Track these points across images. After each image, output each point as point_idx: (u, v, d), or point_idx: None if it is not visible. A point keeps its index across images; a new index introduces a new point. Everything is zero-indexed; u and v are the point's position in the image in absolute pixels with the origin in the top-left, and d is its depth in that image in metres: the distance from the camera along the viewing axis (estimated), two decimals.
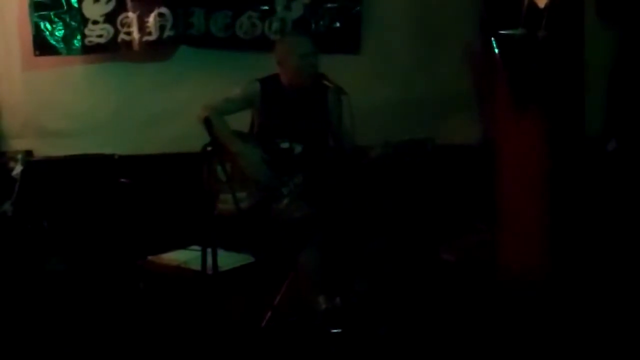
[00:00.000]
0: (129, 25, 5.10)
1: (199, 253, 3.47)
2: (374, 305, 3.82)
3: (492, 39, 4.25)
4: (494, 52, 4.21)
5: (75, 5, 5.17)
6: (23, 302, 4.36)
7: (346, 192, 3.93)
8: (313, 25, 5.12)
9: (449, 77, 5.07)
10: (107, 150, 5.16)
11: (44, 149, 5.33)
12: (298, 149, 3.93)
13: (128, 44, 5.13)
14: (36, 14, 5.20)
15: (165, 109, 5.23)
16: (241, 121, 4.05)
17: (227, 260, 3.74)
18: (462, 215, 4.78)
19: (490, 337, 3.67)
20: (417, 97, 5.08)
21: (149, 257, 4.06)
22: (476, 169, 4.61)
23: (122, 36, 5.13)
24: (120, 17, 5.11)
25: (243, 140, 3.92)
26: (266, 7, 5.10)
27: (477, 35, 4.90)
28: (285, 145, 3.93)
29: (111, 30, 5.14)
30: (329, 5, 5.11)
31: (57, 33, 5.23)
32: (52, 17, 5.20)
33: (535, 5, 4.02)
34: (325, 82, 3.84)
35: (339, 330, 3.60)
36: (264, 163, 3.88)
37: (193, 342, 3.72)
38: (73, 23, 5.19)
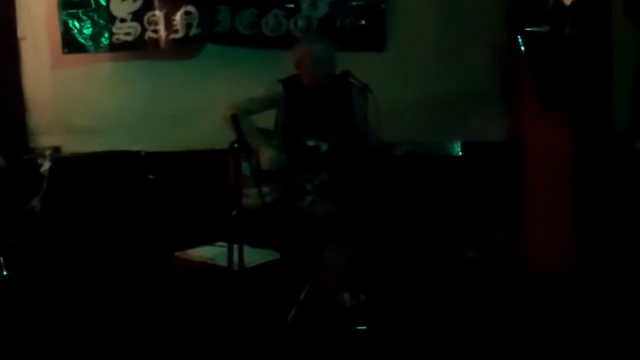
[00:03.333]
0: (156, 23, 5.17)
1: (226, 249, 3.52)
2: (399, 303, 3.83)
3: (518, 36, 4.25)
4: (520, 49, 4.21)
5: (103, 3, 5.24)
6: (52, 297, 4.40)
7: (371, 190, 3.93)
8: (338, 23, 5.14)
9: (474, 75, 5.04)
10: (134, 147, 5.21)
11: (72, 146, 5.40)
12: (324, 146, 3.93)
13: (155, 41, 5.19)
14: (65, 12, 5.28)
15: (192, 107, 5.27)
16: (268, 118, 4.07)
17: (253, 256, 3.75)
18: (488, 212, 4.75)
19: (516, 336, 3.65)
20: (443, 94, 5.06)
21: (176, 253, 4.08)
22: (503, 166, 4.60)
23: (149, 34, 5.19)
24: (147, 15, 5.18)
25: (269, 138, 3.94)
26: (292, 5, 5.14)
27: (503, 33, 4.89)
28: (311, 143, 3.94)
29: (138, 28, 5.21)
30: (354, 2, 5.12)
31: (85, 31, 5.30)
32: (81, 15, 5.27)
33: (561, 3, 4.01)
34: (351, 80, 3.84)
35: (364, 328, 3.62)
36: (289, 160, 3.89)
37: (219, 338, 3.73)
38: (101, 21, 5.27)
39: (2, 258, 4.70)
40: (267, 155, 3.82)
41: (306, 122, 3.95)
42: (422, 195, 4.41)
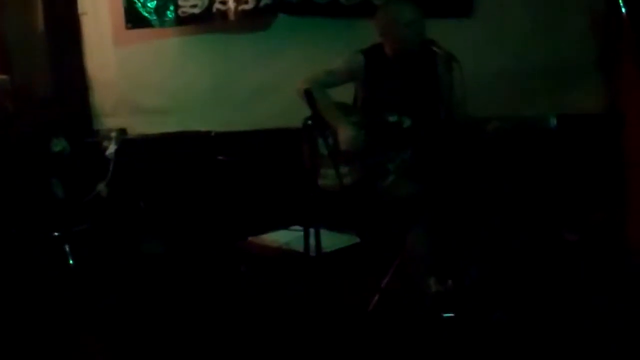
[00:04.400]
0: None
1: (301, 233, 3.57)
2: (489, 289, 3.83)
3: None
4: (621, 12, 4.15)
5: None
6: (120, 287, 4.57)
7: (458, 169, 3.94)
8: None
9: (571, 42, 4.94)
10: (203, 127, 5.36)
11: (139, 127, 5.58)
12: (407, 122, 3.95)
13: (223, 13, 5.29)
14: None
15: (264, 83, 5.38)
16: (346, 93, 4.11)
17: (331, 241, 3.83)
18: (586, 190, 4.72)
19: (617, 323, 3.65)
20: (536, 64, 4.99)
21: (250, 239, 4.20)
22: (601, 140, 4.57)
23: (217, 6, 5.30)
24: None
25: (347, 114, 3.97)
26: None
27: None
28: (393, 118, 3.96)
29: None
30: None
31: (149, 4, 5.45)
32: None
33: None
34: (435, 49, 3.83)
35: (451, 315, 3.64)
36: (369, 138, 3.92)
37: (297, 329, 3.83)
38: None
39: (67, 247, 4.88)
40: (345, 133, 3.83)
41: (388, 95, 3.97)
42: (514, 174, 4.39)
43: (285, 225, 4.23)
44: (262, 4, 5.17)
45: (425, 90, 3.99)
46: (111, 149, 5.35)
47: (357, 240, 4.00)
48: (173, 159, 5.18)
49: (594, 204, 4.62)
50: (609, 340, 3.54)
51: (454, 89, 3.88)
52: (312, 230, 3.50)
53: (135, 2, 5.47)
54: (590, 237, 4.45)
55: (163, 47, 5.58)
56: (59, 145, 5.25)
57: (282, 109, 4.90)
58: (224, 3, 5.28)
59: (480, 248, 3.87)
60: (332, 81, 4.01)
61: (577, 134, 4.48)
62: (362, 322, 3.89)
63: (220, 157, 5.09)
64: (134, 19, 5.51)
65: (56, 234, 4.98)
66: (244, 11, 5.22)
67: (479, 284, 3.80)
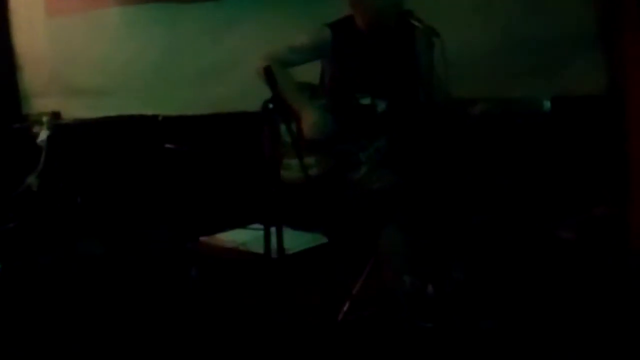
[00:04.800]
0: None
1: (261, 233, 3.59)
2: (474, 295, 3.82)
3: None
4: None
5: None
6: (53, 293, 4.50)
7: (439, 158, 3.94)
8: None
9: (567, 13, 4.89)
10: (148, 110, 5.32)
11: (74, 110, 5.53)
12: (381, 105, 3.94)
13: None
14: None
15: (217, 60, 5.35)
16: (309, 73, 4.08)
17: (295, 241, 3.83)
18: (584, 182, 4.73)
19: (618, 330, 3.65)
20: (528, 37, 4.95)
21: (201, 239, 4.16)
22: (601, 125, 4.56)
23: None
24: None
25: (312, 96, 3.96)
26: None
27: None
28: (365, 101, 3.94)
29: None
30: None
31: None
32: None
33: None
34: (413, 22, 3.79)
35: (431, 325, 3.62)
36: (338, 124, 3.91)
37: (255, 341, 3.79)
38: None
39: None
40: (310, 119, 3.82)
41: (359, 75, 3.95)
42: (502, 164, 4.40)
43: (242, 224, 4.20)
44: None
45: (402, 69, 3.97)
46: (42, 135, 5.30)
47: (325, 240, 3.98)
48: (114, 148, 5.14)
49: (594, 197, 4.64)
50: (609, 351, 3.54)
51: (434, 68, 3.84)
52: (273, 229, 3.49)
53: None
54: (588, 235, 4.44)
55: (103, 19, 5.53)
56: None
57: (239, 90, 4.87)
58: None
59: (465, 248, 3.85)
60: (295, 59, 3.97)
61: (574, 118, 4.50)
62: (331, 333, 3.85)
63: (168, 146, 5.04)
64: None
65: None
66: None
67: (463, 288, 3.79)
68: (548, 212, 4.66)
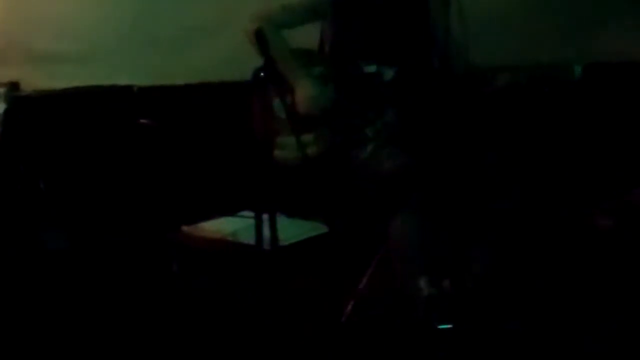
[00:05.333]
0: None
1: (252, 221, 3.60)
2: (499, 292, 3.82)
3: None
4: None
5: None
6: (13, 292, 4.50)
7: (457, 135, 3.95)
8: None
9: None
10: (121, 80, 5.31)
11: (35, 80, 5.51)
12: (389, 73, 3.95)
13: None
14: None
15: (202, 21, 5.35)
16: (307, 36, 4.10)
17: (291, 230, 3.85)
18: (623, 162, 4.74)
19: None
20: None
21: (184, 228, 4.19)
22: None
23: None
24: None
25: (309, 64, 3.97)
26: None
27: None
28: (371, 69, 3.95)
29: None
30: None
31: None
32: None
33: None
34: None
35: (449, 326, 3.60)
36: (339, 95, 3.92)
37: (245, 345, 3.82)
38: None
39: None
40: (307, 90, 3.85)
41: (364, 39, 3.96)
42: (529, 141, 4.41)
43: (231, 211, 4.22)
44: None
45: (413, 31, 3.98)
46: None
47: (325, 229, 3.98)
48: (81, 123, 5.13)
49: (633, 179, 4.65)
50: None
51: (450, 30, 3.87)
52: (265, 217, 3.50)
53: None
54: (628, 222, 4.44)
55: None
56: None
57: (227, 56, 4.88)
58: None
59: (487, 238, 3.85)
60: (290, 21, 3.99)
61: (609, 88, 4.50)
62: (333, 337, 3.86)
63: (144, 121, 5.04)
64: None
65: None
66: None
67: (486, 284, 3.79)
68: (581, 196, 4.68)
